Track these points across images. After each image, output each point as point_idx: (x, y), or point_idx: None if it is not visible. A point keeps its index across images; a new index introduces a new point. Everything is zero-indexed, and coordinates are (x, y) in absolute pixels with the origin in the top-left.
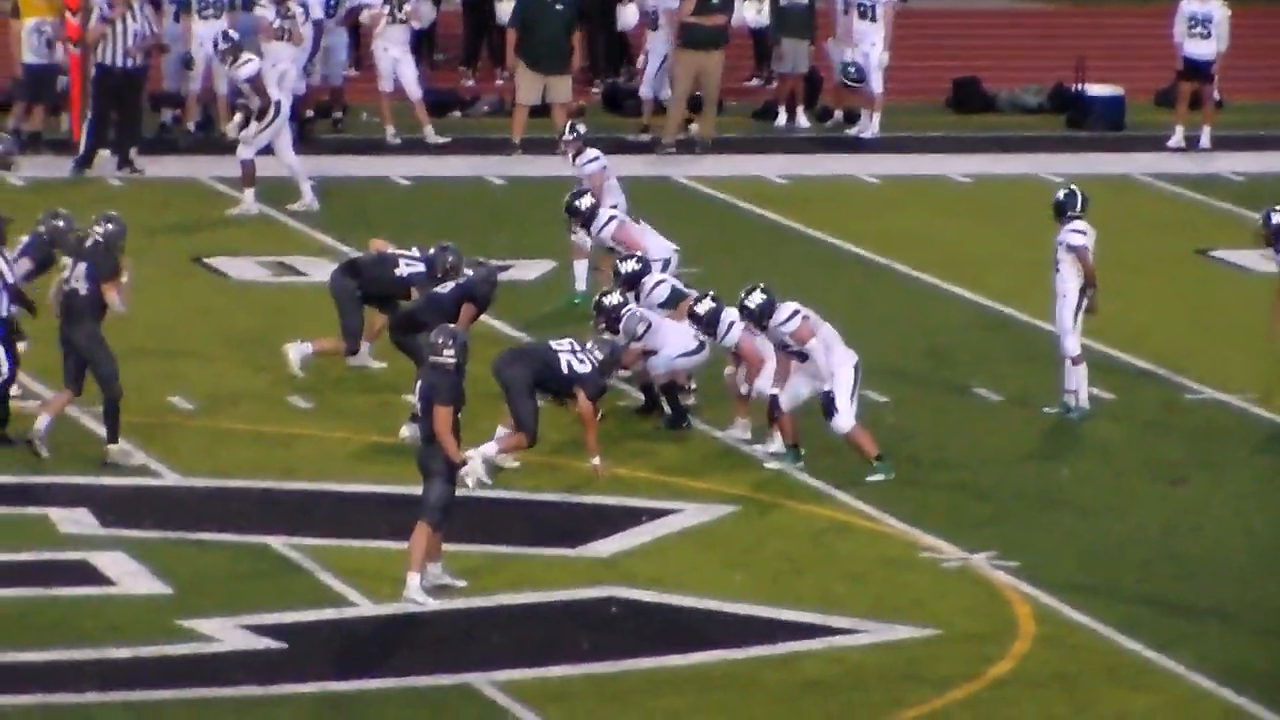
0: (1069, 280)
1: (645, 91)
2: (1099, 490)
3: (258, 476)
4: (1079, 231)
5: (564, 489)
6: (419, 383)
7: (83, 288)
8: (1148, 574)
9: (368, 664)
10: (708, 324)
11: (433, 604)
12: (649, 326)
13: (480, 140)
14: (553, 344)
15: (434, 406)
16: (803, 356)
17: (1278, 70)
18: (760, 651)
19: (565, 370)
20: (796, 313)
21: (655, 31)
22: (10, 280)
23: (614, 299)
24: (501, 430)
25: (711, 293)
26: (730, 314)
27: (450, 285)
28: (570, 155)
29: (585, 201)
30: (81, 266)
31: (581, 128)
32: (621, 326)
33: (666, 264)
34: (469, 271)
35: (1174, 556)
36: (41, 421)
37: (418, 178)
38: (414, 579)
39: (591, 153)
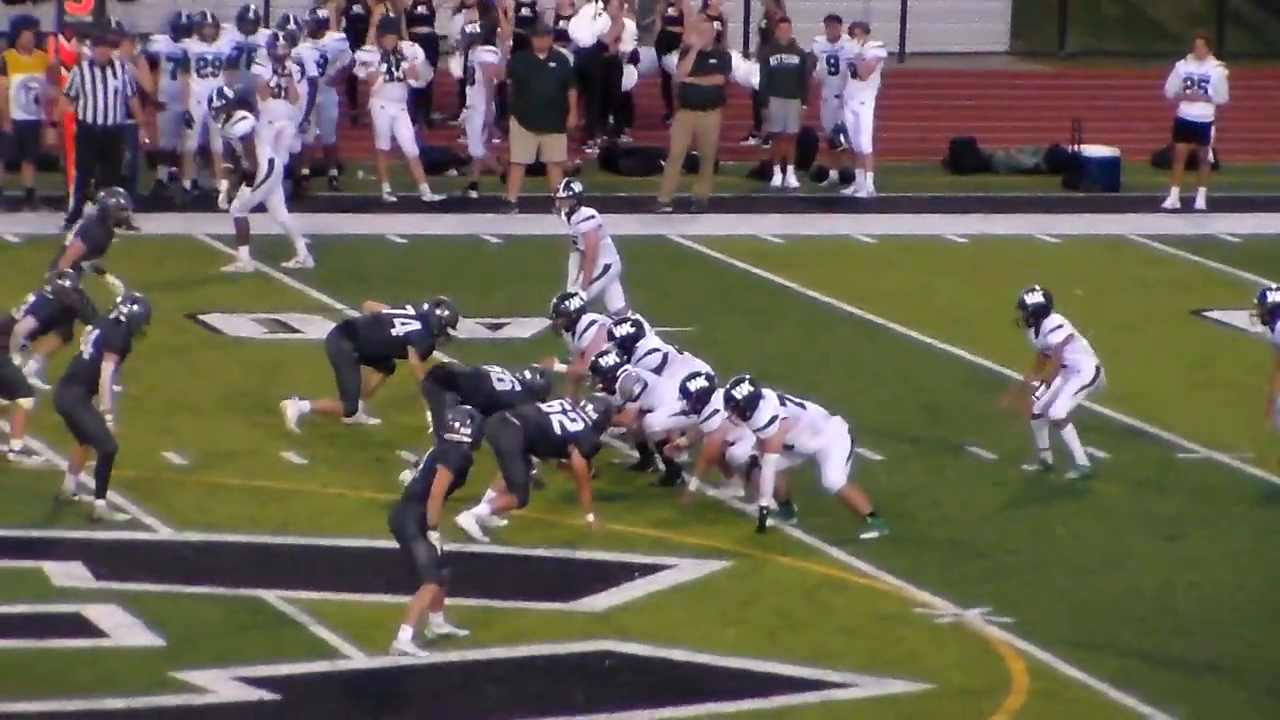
0: (1081, 359)
1: (475, 150)
2: (1093, 547)
3: (252, 531)
4: (1060, 327)
5: (559, 544)
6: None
7: (88, 353)
8: (1143, 630)
9: (361, 716)
10: (696, 402)
11: (424, 655)
12: (645, 386)
13: (476, 198)
14: (543, 407)
15: (438, 467)
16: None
17: (1273, 132)
18: (753, 705)
19: (559, 431)
20: (775, 419)
21: (473, 88)
22: None
23: (610, 360)
24: (491, 491)
25: (706, 371)
26: (718, 399)
27: (517, 388)
28: (565, 213)
29: (574, 304)
30: (94, 334)
31: (577, 186)
32: (618, 386)
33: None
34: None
35: (1169, 612)
36: (69, 482)
37: (413, 236)
38: (406, 631)
39: (586, 211)
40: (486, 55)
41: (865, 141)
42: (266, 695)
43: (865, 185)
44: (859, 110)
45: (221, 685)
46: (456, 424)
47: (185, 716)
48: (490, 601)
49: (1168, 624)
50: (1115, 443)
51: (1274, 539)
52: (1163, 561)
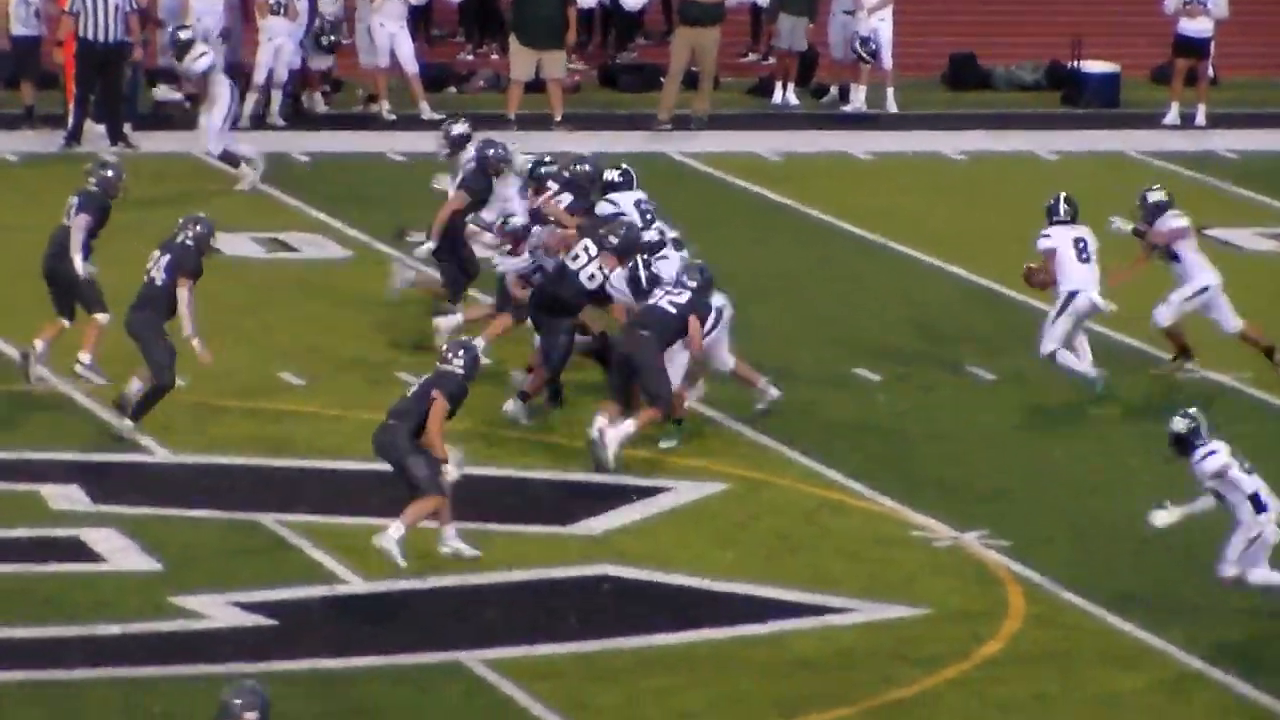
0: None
1: (259, 79)
2: (1092, 469)
3: (249, 453)
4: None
5: (556, 467)
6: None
7: (160, 278)
8: (1140, 553)
9: (358, 641)
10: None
11: (400, 561)
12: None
13: (476, 116)
14: (651, 299)
15: (434, 393)
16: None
17: (1273, 47)
18: (750, 630)
19: (673, 310)
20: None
21: (278, 17)
22: None
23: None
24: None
25: (701, 264)
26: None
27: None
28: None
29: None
30: (165, 259)
31: (459, 128)
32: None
33: None
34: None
35: (1166, 536)
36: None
37: (413, 153)
38: (397, 530)
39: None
40: None
41: (886, 57)
42: (263, 620)
43: (888, 101)
44: (878, 27)
45: (218, 610)
46: (450, 354)
47: (182, 642)
48: (487, 525)
49: (1164, 547)
50: (1113, 363)
51: (1272, 460)
52: (1160, 484)
